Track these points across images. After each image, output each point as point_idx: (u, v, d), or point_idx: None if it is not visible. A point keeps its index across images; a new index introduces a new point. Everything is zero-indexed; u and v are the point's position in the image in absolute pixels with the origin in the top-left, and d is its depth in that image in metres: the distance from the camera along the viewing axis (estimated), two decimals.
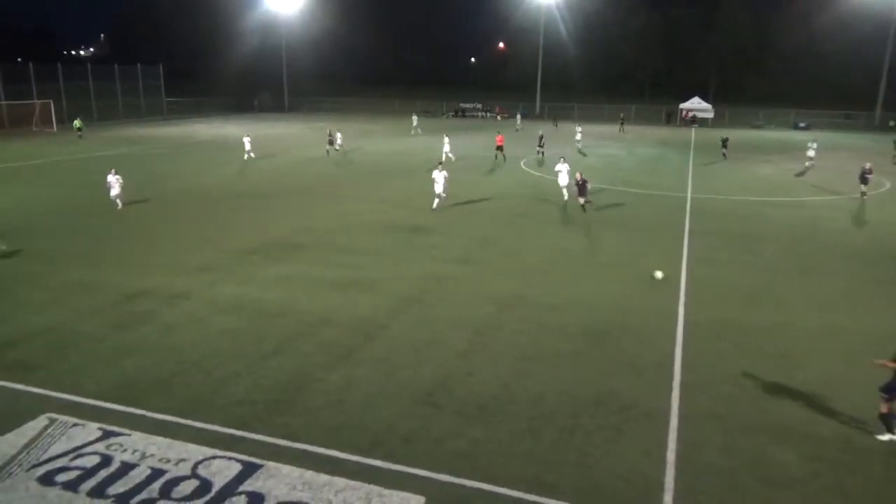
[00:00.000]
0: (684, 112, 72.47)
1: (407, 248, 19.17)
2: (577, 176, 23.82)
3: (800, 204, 27.43)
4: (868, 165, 28.41)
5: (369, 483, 8.15)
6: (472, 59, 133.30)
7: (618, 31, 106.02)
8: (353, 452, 8.79)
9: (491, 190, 28.66)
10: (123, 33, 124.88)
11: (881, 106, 71.11)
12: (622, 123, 60.87)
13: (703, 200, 27.32)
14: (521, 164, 37.28)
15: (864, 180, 27.87)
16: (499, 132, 39.14)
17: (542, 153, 38.85)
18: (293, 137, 50.01)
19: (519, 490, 8.07)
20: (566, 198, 24.95)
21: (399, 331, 13.11)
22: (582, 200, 23.57)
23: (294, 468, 8.44)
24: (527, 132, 52.66)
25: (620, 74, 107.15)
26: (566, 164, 25.47)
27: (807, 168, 36.56)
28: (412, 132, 54.11)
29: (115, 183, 23.66)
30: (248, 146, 36.96)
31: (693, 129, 64.94)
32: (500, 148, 37.50)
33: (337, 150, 39.57)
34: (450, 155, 36.61)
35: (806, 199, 28.56)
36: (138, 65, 67.55)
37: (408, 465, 8.53)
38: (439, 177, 23.47)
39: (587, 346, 12.44)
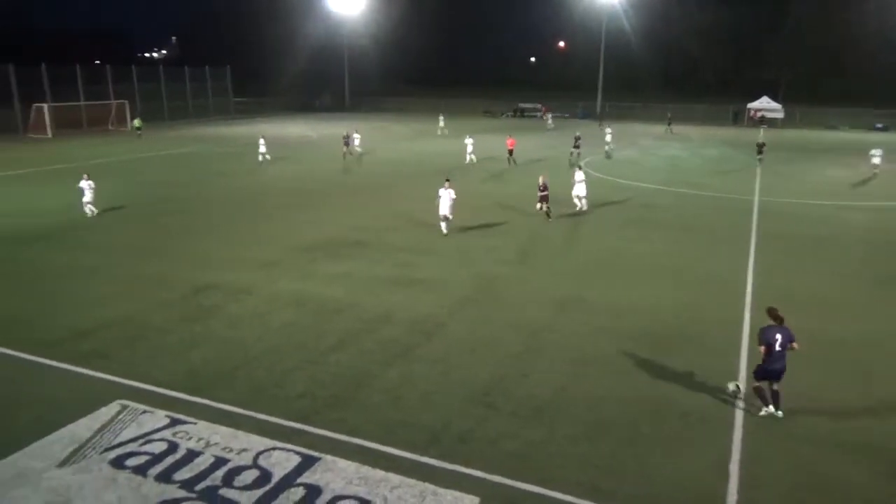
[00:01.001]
0: (752, 112, 69.99)
1: (463, 248, 19.18)
2: (540, 179, 22.63)
3: (876, 209, 26.11)
4: None
5: (424, 481, 8.20)
6: (532, 59, 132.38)
7: (683, 28, 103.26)
8: (408, 450, 8.86)
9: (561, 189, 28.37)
10: (193, 36, 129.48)
11: None
12: (669, 123, 59.25)
13: (771, 203, 26.32)
14: (581, 163, 36.76)
15: None
16: (510, 135, 37.29)
17: (578, 154, 37.90)
18: (362, 136, 50.73)
19: (574, 495, 7.97)
20: (578, 207, 24.03)
21: (456, 330, 13.14)
22: (544, 207, 22.41)
23: (351, 463, 8.57)
24: (587, 132, 51.94)
25: (685, 73, 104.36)
26: (581, 172, 24.27)
27: (874, 175, 34.44)
28: (439, 132, 53.69)
29: (87, 189, 22.96)
30: (262, 148, 36.22)
31: (761, 130, 62.68)
32: (510, 152, 35.88)
33: (352, 154, 38.31)
34: (473, 157, 36.04)
35: (882, 203, 27.15)
36: (206, 67, 69.93)
37: (462, 464, 8.54)
38: (445, 196, 20.11)
39: (647, 351, 12.16)
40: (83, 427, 9.42)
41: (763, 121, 67.89)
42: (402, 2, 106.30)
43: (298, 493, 8.00)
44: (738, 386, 10.40)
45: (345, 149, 37.84)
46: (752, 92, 73.94)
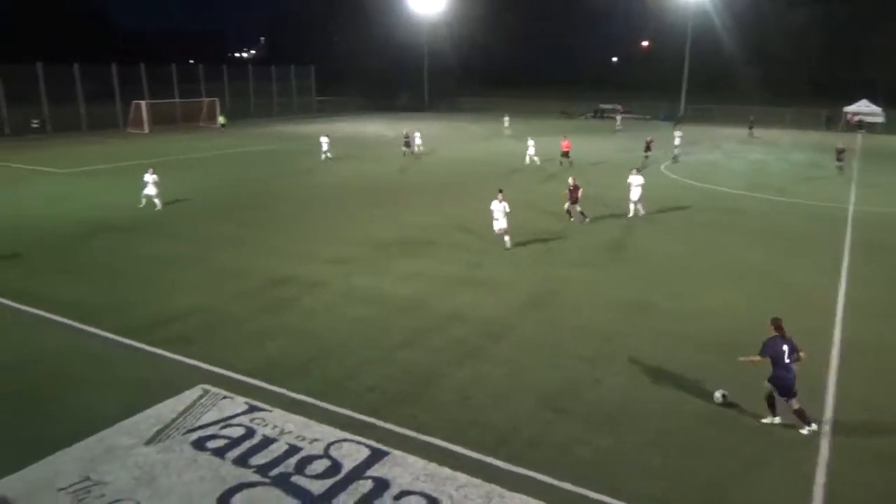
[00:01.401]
0: (849, 115, 66.00)
1: (533, 250, 19.01)
2: (570, 181, 22.19)
3: None
4: None
5: (490, 482, 8.18)
6: (614, 59, 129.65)
7: (774, 27, 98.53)
8: (476, 450, 8.86)
9: (621, 192, 27.74)
10: (281, 37, 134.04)
11: None
12: (751, 127, 56.52)
13: (868, 213, 24.77)
14: (661, 167, 35.78)
15: None
16: (565, 136, 36.08)
17: (648, 157, 36.60)
18: (429, 136, 51.19)
19: None
20: (631, 214, 23.14)
21: (526, 332, 13.05)
22: (577, 209, 21.98)
23: (419, 459, 8.65)
24: (663, 136, 50.47)
25: (776, 74, 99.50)
26: (640, 177, 23.17)
27: None
28: (505, 132, 52.96)
29: (150, 182, 23.76)
30: (325, 146, 36.71)
31: (859, 135, 59.06)
32: (565, 154, 34.70)
33: (413, 153, 38.48)
34: (535, 158, 35.36)
35: None
36: (292, 66, 72.26)
37: (531, 468, 8.47)
38: (499, 210, 18.69)
39: (722, 360, 11.63)
40: (168, 408, 9.93)
41: (861, 125, 63.92)
42: (484, 1, 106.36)
43: (367, 485, 8.15)
44: (724, 395, 9.98)
45: (405, 149, 38.23)
46: (847, 95, 69.72)
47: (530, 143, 35.82)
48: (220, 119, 55.01)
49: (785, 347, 9.13)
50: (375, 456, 8.74)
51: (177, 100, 59.35)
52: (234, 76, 66.97)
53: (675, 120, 60.29)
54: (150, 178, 23.87)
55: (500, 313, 14.02)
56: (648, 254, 18.74)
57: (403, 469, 8.47)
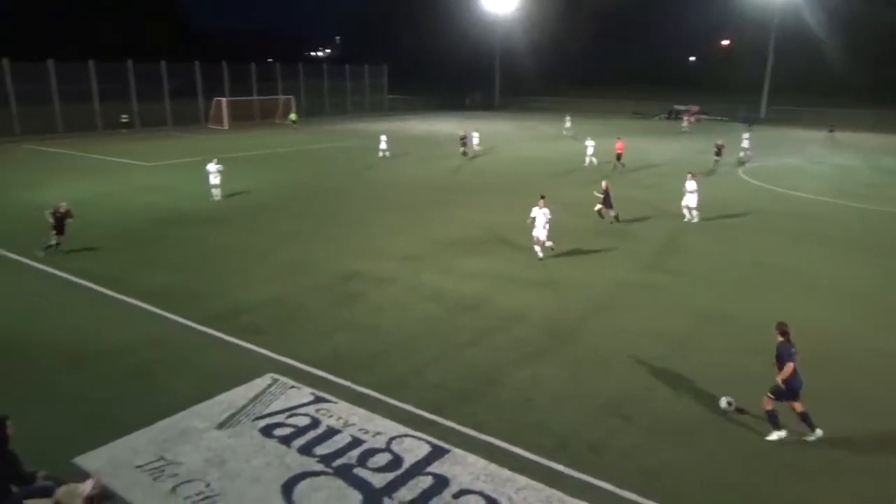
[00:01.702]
0: None
1: (601, 252, 18.67)
2: (603, 184, 21.80)
3: None
4: None
5: (551, 487, 8.11)
6: (691, 58, 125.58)
7: (868, 25, 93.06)
8: (537, 453, 8.80)
9: (706, 196, 26.87)
10: (356, 36, 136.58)
11: None
12: (831, 130, 53.53)
13: None
14: (739, 171, 34.47)
15: None
16: (619, 138, 34.85)
17: (718, 162, 35.11)
18: (499, 135, 51.04)
19: None
20: (686, 219, 22.23)
21: (590, 335, 12.85)
22: (612, 213, 21.62)
23: (479, 458, 8.66)
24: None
25: (864, 75, 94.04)
26: (694, 182, 22.16)
27: None
28: (565, 133, 51.76)
29: (213, 172, 24.63)
30: (383, 145, 37.07)
31: None
32: (619, 156, 33.62)
33: (467, 153, 38.11)
34: (593, 159, 34.48)
35: None
36: (366, 65, 73.54)
37: (592, 475, 8.34)
38: (540, 217, 17.44)
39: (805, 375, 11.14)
40: (239, 395, 10.30)
41: None
42: (554, 2, 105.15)
43: (427, 481, 8.22)
44: (729, 402, 9.72)
45: (462, 148, 38.21)
46: None
47: (589, 143, 35.20)
48: (292, 116, 56.73)
49: (793, 350, 9.07)
50: (436, 453, 8.80)
51: (255, 97, 61.38)
52: (310, 74, 68.71)
53: (748, 122, 57.73)
54: (214, 168, 24.85)
55: (564, 315, 13.85)
56: (720, 260, 18.09)
57: (463, 468, 8.49)
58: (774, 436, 9.16)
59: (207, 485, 8.11)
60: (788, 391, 9.07)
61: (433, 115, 72.90)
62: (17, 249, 18.01)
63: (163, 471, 8.37)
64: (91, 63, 50.28)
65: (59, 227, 17.19)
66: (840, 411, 9.91)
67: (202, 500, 7.84)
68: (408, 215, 23.30)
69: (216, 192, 24.97)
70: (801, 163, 38.58)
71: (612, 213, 21.82)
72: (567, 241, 19.84)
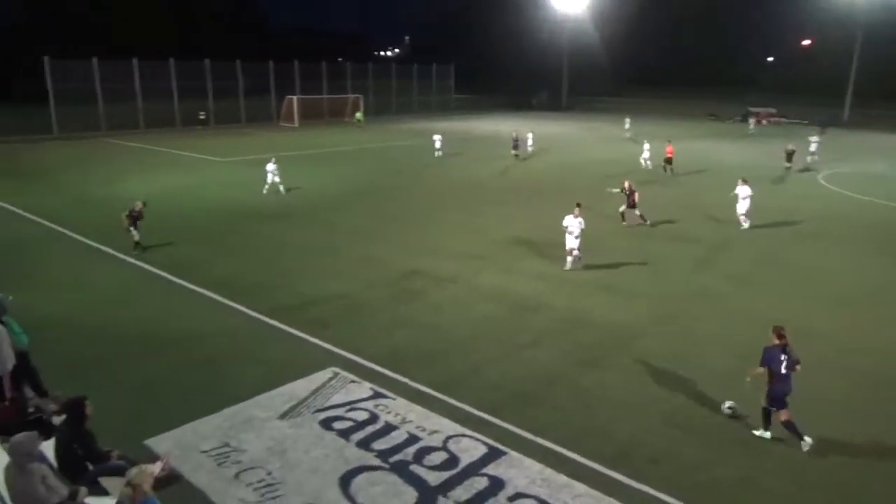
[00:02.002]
0: None
1: (674, 257, 18.15)
2: (626, 184, 21.40)
3: None
4: None
5: (609, 496, 7.93)
6: (769, 59, 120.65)
7: None
8: (595, 460, 8.62)
9: (778, 202, 25.83)
10: (425, 36, 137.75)
11: None
12: (822, 129, 50.43)
13: None
14: (819, 178, 32.89)
15: None
16: (669, 141, 33.01)
17: (790, 168, 33.49)
18: (560, 137, 50.43)
19: None
20: (743, 226, 21.22)
21: (656, 343, 12.50)
22: (636, 213, 21.10)
23: (535, 462, 8.56)
24: (836, 141, 46.23)
25: None
26: (747, 187, 21.09)
27: None
28: (625, 134, 50.07)
29: (271, 172, 25.56)
30: (438, 144, 36.91)
31: None
32: (668, 160, 31.78)
33: (519, 155, 36.80)
34: (648, 162, 33.29)
35: None
36: (433, 65, 74.04)
37: (653, 486, 8.11)
38: (574, 225, 16.54)
39: (883, 397, 10.54)
40: (301, 387, 10.52)
41: None
42: (627, 0, 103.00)
43: (482, 482, 8.18)
44: (731, 408, 9.75)
45: (514, 151, 36.76)
46: None
47: (646, 146, 34.17)
48: (358, 115, 57.73)
49: (783, 357, 9.01)
50: (492, 454, 8.75)
51: (324, 96, 62.70)
52: (379, 74, 69.71)
53: (822, 126, 54.74)
54: (271, 167, 25.82)
55: (630, 321, 13.54)
56: (805, 272, 17.21)
57: (519, 471, 8.41)
58: (805, 446, 8.92)
59: (269, 473, 8.32)
60: (773, 397, 9.05)
61: (499, 116, 72.68)
62: (98, 239, 18.99)
63: (227, 457, 8.63)
64: (171, 62, 52.50)
65: (135, 224, 17.78)
66: None
67: (263, 487, 8.05)
68: (465, 214, 23.28)
69: (273, 188, 25.88)
70: (887, 170, 36.46)
71: (636, 212, 21.29)
72: (627, 245, 19.43)
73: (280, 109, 59.22)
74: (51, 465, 7.28)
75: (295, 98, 57.87)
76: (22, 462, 6.50)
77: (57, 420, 8.20)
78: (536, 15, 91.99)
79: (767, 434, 9.21)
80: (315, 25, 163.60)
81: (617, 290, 15.49)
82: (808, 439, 8.92)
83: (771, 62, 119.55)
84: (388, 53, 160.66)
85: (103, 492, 7.24)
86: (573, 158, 38.75)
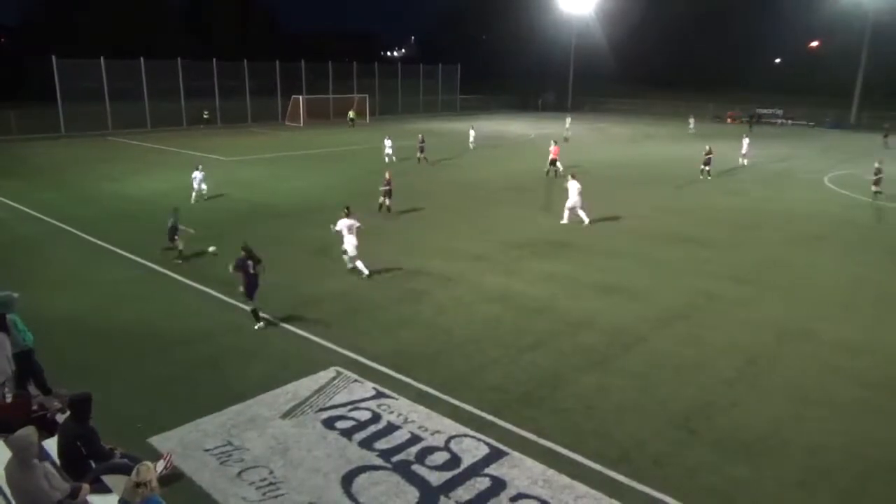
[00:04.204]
0: None
1: (677, 260, 18.11)
2: (387, 174, 22.93)
3: None
4: None
5: (611, 497, 7.92)
6: (777, 60, 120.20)
7: None
8: (597, 461, 8.62)
9: (781, 205, 25.75)
10: (430, 36, 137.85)
11: None
12: (886, 136, 50.02)
13: None
14: (825, 179, 32.76)
15: None
16: (555, 142, 32.29)
17: (704, 171, 32.00)
18: (573, 137, 50.34)
19: None
20: (571, 221, 21.75)
21: (660, 345, 12.48)
22: (387, 203, 22.66)
23: (537, 463, 8.56)
24: (823, 143, 46.14)
25: None
26: (575, 182, 21.78)
27: None
28: (566, 133, 48.63)
29: (198, 178, 24.51)
30: (389, 149, 35.88)
31: None
32: (553, 162, 31.01)
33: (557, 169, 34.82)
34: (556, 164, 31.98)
35: None
36: (439, 65, 74.14)
37: (655, 488, 8.10)
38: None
39: (890, 401, 10.50)
40: (304, 386, 10.55)
41: None
42: (634, 1, 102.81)
43: (484, 482, 8.19)
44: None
45: (419, 154, 35.73)
46: None
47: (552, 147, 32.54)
48: (350, 114, 57.76)
49: (250, 262, 12.64)
50: (494, 455, 8.75)
51: (330, 96, 62.83)
52: (385, 74, 69.80)
53: (751, 123, 51.07)
54: (198, 175, 24.70)
55: (634, 323, 13.51)
56: (811, 274, 17.14)
57: (521, 471, 8.41)
58: (257, 326, 12.69)
59: (271, 472, 8.34)
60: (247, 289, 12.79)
61: (505, 116, 72.68)
62: (104, 237, 19.07)
63: (230, 455, 8.66)
64: (179, 61, 52.71)
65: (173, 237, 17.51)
66: None
67: (266, 486, 8.08)
68: (477, 214, 23.26)
69: (199, 196, 24.78)
70: (894, 172, 36.22)
71: (387, 202, 22.60)
72: (634, 246, 19.40)
73: (286, 109, 59.37)
74: (54, 463, 7.32)
75: (301, 98, 58.01)
76: (24, 458, 6.53)
77: (61, 417, 8.25)
78: (543, 15, 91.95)
79: (261, 324, 12.22)
80: (322, 26, 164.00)
81: (624, 291, 15.44)
82: (262, 324, 12.57)
83: (778, 63, 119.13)
84: (395, 54, 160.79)
85: (106, 489, 7.27)
86: (592, 158, 38.73)
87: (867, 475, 8.51)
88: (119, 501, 6.31)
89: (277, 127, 55.64)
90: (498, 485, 8.15)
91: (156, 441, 8.88)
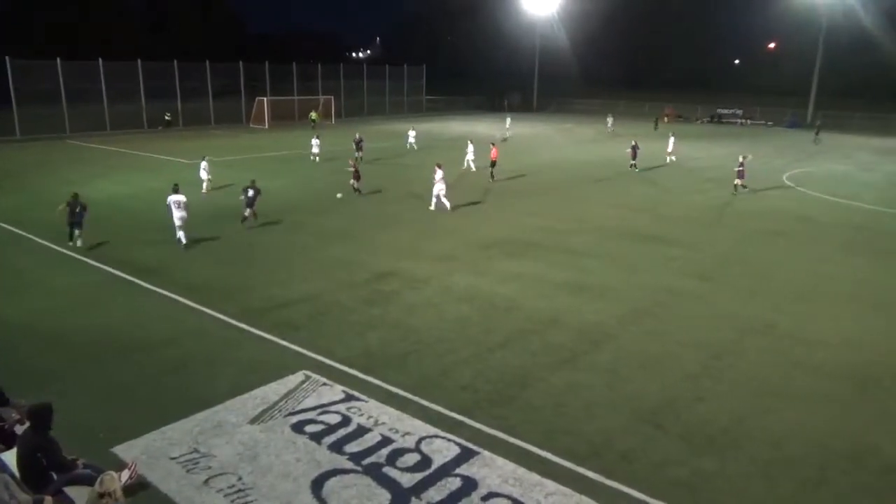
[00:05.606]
0: None
1: (643, 258, 18.39)
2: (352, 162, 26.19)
3: None
4: None
5: (581, 493, 8.01)
6: (736, 61, 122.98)
7: None
8: (567, 458, 8.70)
9: (743, 204, 26.34)
10: (396, 37, 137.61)
11: None
12: (817, 132, 52.19)
13: None
14: (784, 177, 33.62)
15: None
16: (493, 144, 32.49)
17: (634, 166, 34.09)
18: (539, 138, 50.77)
19: None
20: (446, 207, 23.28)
21: (627, 342, 12.65)
22: (355, 186, 26.01)
23: (508, 462, 8.60)
24: (785, 142, 47.31)
25: None
26: (440, 171, 23.58)
27: None
28: (506, 133, 49.92)
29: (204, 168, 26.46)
30: (316, 149, 36.34)
31: None
32: (493, 164, 30.61)
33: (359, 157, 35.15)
34: (472, 164, 33.04)
35: None
36: (405, 66, 73.99)
37: (623, 483, 8.21)
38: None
39: (848, 391, 10.83)
40: (272, 391, 10.43)
41: None
42: (597, 2, 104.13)
43: (455, 482, 8.20)
44: None
45: (357, 153, 35.24)
46: None
47: (469, 147, 33.60)
48: (312, 115, 57.29)
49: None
50: (465, 455, 8.77)
51: (295, 97, 62.21)
52: (350, 75, 69.35)
53: (816, 129, 53.51)
54: (204, 164, 26.68)
55: (602, 321, 13.68)
56: (770, 270, 17.58)
57: (492, 470, 8.44)
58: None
59: (239, 478, 8.22)
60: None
61: (471, 116, 72.86)
62: (62, 242, 18.57)
63: (197, 463, 8.51)
64: (139, 62, 51.62)
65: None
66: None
67: (234, 493, 7.96)
68: (446, 216, 23.27)
69: (205, 186, 26.57)
70: (852, 170, 37.40)
71: (355, 185, 25.97)
72: (602, 244, 19.64)
73: (251, 111, 58.60)
74: (13, 475, 7.10)
75: (265, 99, 57.31)
76: None
77: (20, 429, 8.00)
78: (507, 17, 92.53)
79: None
80: (286, 26, 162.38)
81: (592, 289, 15.63)
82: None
83: (737, 64, 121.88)
84: (360, 55, 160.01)
85: (69, 501, 7.08)
86: (555, 158, 39.08)
87: (827, 465, 8.75)
88: None
89: (241, 129, 54.86)
90: (469, 484, 8.17)
91: (120, 450, 8.68)
